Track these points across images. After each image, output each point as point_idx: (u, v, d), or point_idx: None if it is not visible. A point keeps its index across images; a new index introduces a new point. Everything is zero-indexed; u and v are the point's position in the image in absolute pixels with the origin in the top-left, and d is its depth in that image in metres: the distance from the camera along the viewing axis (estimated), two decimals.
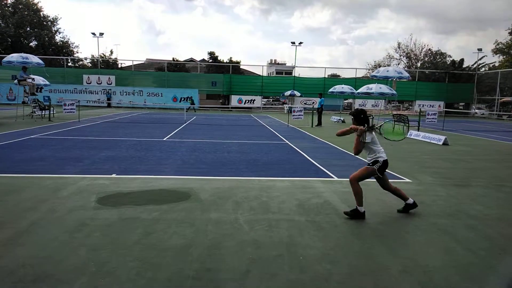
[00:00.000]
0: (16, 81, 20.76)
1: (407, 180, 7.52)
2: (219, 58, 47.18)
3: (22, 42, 46.79)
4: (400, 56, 55.19)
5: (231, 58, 46.81)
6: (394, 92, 20.34)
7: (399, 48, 54.93)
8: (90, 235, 4.18)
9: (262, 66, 44.19)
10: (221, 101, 43.09)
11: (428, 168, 8.96)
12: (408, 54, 54.45)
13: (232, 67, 42.69)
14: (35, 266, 3.42)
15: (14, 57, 19.47)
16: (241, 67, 48.42)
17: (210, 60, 47.37)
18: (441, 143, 13.74)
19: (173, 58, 48.58)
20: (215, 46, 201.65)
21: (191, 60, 53.14)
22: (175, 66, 45.74)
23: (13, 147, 10.21)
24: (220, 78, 40.49)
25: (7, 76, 34.45)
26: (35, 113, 20.09)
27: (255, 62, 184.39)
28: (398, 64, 53.97)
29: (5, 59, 19.68)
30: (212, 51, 47.64)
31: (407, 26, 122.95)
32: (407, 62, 54.32)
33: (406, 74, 20.70)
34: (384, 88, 20.04)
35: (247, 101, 39.64)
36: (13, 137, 12.14)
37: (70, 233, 4.22)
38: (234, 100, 39.49)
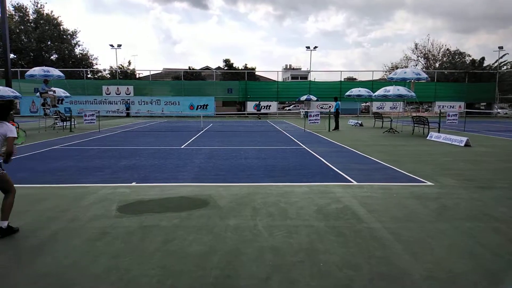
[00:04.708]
0: (38, 93, 21.38)
1: (429, 183, 7.36)
2: (234, 65, 47.52)
3: (44, 56, 48.23)
4: (417, 57, 54.44)
5: (246, 64, 47.11)
6: (413, 93, 20.03)
7: (416, 49, 54.22)
8: (111, 243, 4.23)
9: (277, 71, 44.11)
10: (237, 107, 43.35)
11: (450, 170, 8.76)
12: (426, 55, 53.63)
13: (247, 73, 42.92)
14: (58, 274, 3.49)
15: (36, 70, 20.12)
16: (256, 73, 48.62)
17: (226, 68, 47.76)
18: (462, 144, 13.42)
19: (189, 67, 49.21)
20: (230, 54, 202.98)
21: (207, 68, 53.69)
22: (191, 75, 46.28)
23: (37, 158, 10.49)
24: (235, 85, 40.75)
25: (30, 89, 35.53)
26: (56, 124, 20.64)
27: (270, 68, 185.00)
28: (416, 65, 53.20)
29: (27, 73, 20.35)
30: (227, 59, 48.07)
31: (424, 26, 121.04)
32: (425, 63, 53.49)
33: (424, 75, 20.32)
34: (402, 90, 19.75)
35: (263, 107, 39.69)
36: (37, 148, 12.48)
37: (92, 241, 4.29)
38: (250, 106, 39.59)
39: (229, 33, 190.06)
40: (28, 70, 21.13)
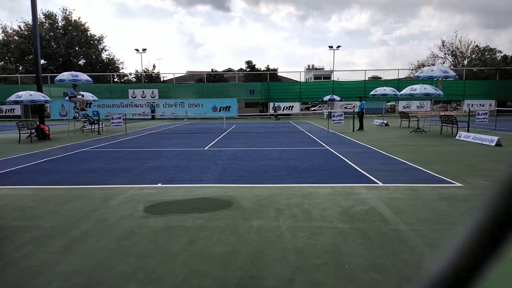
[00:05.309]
0: (67, 98, 22.10)
1: (458, 184, 7.14)
2: (256, 67, 47.63)
3: (72, 61, 49.83)
4: (445, 54, 52.91)
5: (268, 66, 47.18)
6: (440, 92, 19.47)
7: (443, 46, 52.70)
8: (138, 243, 4.32)
9: (300, 72, 43.79)
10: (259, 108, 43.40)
11: (480, 171, 8.46)
12: (454, 52, 52.08)
13: (269, 74, 42.91)
14: (88, 273, 3.60)
15: (65, 75, 20.79)
16: (279, 74, 48.54)
17: (248, 69, 47.93)
18: (493, 144, 12.95)
19: (212, 69, 49.65)
20: (253, 55, 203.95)
21: (229, 70, 54.04)
22: (214, 77, 46.73)
23: (67, 160, 10.84)
24: (258, 86, 40.78)
25: (59, 94, 36.78)
26: (85, 127, 21.27)
27: (292, 68, 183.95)
28: (443, 63, 51.70)
29: (57, 78, 21.06)
30: (249, 60, 48.28)
31: (451, 23, 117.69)
32: (453, 61, 51.94)
33: (452, 73, 19.73)
34: (429, 89, 19.24)
35: (285, 108, 39.55)
36: (66, 150, 12.90)
37: (119, 241, 4.40)
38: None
39: (251, 35, 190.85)
40: (57, 75, 21.89)
